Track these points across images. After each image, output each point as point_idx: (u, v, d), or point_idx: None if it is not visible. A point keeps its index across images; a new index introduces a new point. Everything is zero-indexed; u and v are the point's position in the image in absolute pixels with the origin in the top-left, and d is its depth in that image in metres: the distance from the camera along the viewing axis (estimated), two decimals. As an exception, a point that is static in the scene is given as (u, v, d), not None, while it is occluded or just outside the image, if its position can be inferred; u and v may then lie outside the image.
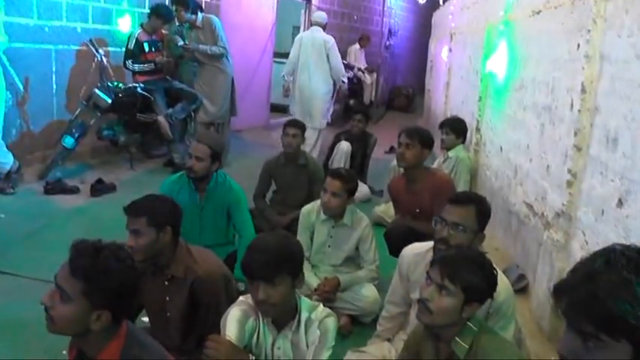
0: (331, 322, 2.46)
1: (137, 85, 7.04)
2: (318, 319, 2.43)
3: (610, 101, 2.79)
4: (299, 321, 2.40)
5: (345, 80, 8.86)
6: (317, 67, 8.06)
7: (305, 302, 2.46)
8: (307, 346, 2.43)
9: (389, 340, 3.22)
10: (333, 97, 8.38)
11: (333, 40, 8.20)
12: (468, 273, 2.13)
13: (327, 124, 8.48)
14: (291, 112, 8.27)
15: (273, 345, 2.40)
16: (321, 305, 2.51)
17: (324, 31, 8.22)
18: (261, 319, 2.39)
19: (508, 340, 2.37)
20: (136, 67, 7.06)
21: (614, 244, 1.35)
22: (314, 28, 8.25)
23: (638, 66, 2.48)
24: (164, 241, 2.75)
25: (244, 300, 2.44)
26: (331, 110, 8.41)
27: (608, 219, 2.62)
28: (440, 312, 2.14)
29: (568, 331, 1.34)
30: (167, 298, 2.88)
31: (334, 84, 8.32)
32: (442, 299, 2.13)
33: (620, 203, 2.50)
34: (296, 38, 8.50)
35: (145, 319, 3.12)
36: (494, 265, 2.27)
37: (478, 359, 2.14)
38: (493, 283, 2.20)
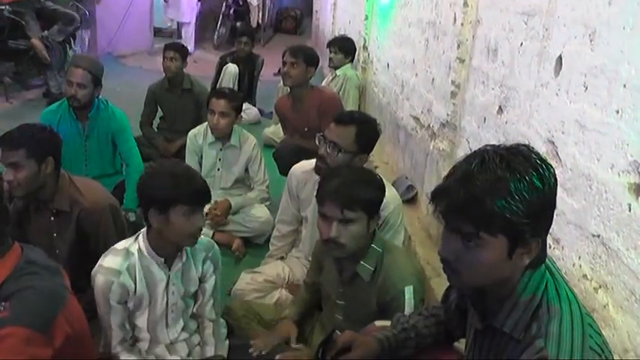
0: (218, 255, 2.49)
1: (3, 7, 6.47)
2: (204, 248, 2.41)
3: (490, 13, 2.83)
4: (185, 251, 2.34)
5: None
6: None
7: None
8: (201, 275, 2.41)
9: (282, 258, 3.25)
10: None
11: None
12: (361, 192, 2.13)
13: (214, 47, 8.16)
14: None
15: (167, 284, 2.31)
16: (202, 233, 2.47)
17: None
18: (150, 261, 2.27)
19: (410, 262, 2.41)
20: None
21: (486, 145, 1.38)
22: None
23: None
24: (46, 173, 2.59)
25: (119, 249, 2.28)
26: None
27: (489, 125, 2.70)
28: (351, 241, 2.14)
29: (447, 233, 1.37)
30: (54, 235, 2.74)
31: None
32: (348, 229, 2.12)
33: (500, 110, 2.57)
34: None
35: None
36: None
37: (381, 280, 2.19)
38: (381, 189, 2.23)
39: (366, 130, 2.77)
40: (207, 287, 2.45)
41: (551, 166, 1.33)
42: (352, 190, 2.14)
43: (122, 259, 2.23)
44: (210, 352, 2.44)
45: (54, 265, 1.94)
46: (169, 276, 2.29)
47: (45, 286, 1.78)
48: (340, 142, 2.69)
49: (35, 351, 1.66)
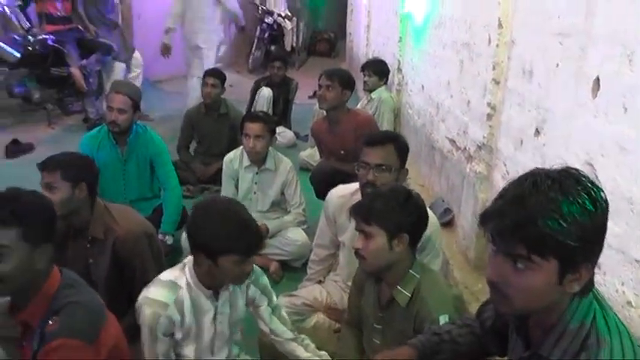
0: (264, 277, 2.45)
1: (47, 36, 6.67)
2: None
3: (525, 34, 2.82)
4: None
5: (243, 21, 8.18)
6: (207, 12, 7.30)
7: None
8: (247, 304, 2.41)
9: (320, 282, 3.24)
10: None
11: None
12: (381, 210, 2.13)
13: (249, 71, 8.23)
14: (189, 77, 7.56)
15: (215, 314, 2.30)
16: None
17: None
18: (200, 294, 2.24)
19: (447, 289, 2.39)
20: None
21: (536, 168, 1.37)
22: None
23: (550, -2, 2.51)
24: (79, 198, 2.64)
25: (165, 280, 2.26)
26: (222, 50, 7.88)
27: (526, 148, 2.68)
28: (371, 256, 2.15)
29: (496, 256, 1.35)
30: (90, 261, 2.77)
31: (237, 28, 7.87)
32: (368, 243, 2.14)
33: (537, 132, 2.55)
34: None
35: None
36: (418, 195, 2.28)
37: (417, 307, 2.16)
38: (414, 211, 2.20)
39: (402, 144, 2.83)
40: (263, 310, 2.44)
41: (602, 189, 1.31)
42: (372, 204, 2.16)
43: (169, 292, 2.19)
44: None
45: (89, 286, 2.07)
46: (217, 306, 2.29)
47: (88, 301, 1.94)
48: (384, 161, 2.72)
49: None
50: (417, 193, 2.30)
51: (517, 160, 2.76)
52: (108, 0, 7.34)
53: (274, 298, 2.49)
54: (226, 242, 2.07)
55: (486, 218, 1.35)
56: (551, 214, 1.24)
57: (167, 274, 2.28)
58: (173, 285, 2.22)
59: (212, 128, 5.35)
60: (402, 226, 2.14)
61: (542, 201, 1.26)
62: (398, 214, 2.14)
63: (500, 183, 2.95)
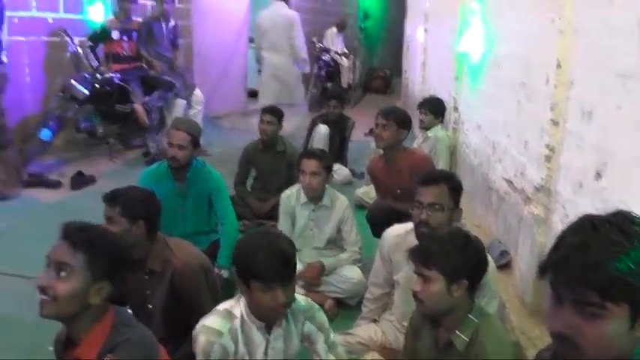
0: (320, 314, 2.47)
1: (114, 75, 6.95)
2: (303, 311, 2.41)
3: (584, 75, 2.80)
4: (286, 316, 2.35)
5: (307, 66, 8.51)
6: (283, 47, 7.76)
7: None
8: (302, 340, 2.42)
9: (375, 321, 3.24)
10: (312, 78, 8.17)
11: (298, 16, 7.83)
12: (441, 255, 2.14)
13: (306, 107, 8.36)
14: (259, 104, 7.75)
15: (267, 347, 2.33)
16: (300, 295, 2.48)
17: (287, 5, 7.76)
18: (251, 325, 2.30)
19: (505, 335, 2.36)
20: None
21: (587, 214, 1.35)
22: (277, 3, 7.74)
23: (610, 38, 2.49)
24: (136, 234, 2.73)
25: (221, 310, 2.34)
26: (302, 91, 8.11)
27: (586, 192, 2.64)
28: (428, 299, 2.16)
29: (560, 306, 1.30)
30: (148, 292, 2.85)
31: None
32: (426, 287, 2.15)
33: (597, 175, 2.51)
34: (257, 18, 8.06)
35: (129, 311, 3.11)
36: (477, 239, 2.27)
37: (475, 353, 2.15)
38: (474, 256, 2.20)
39: (456, 184, 2.85)
40: (320, 348, 2.45)
41: None
42: (431, 248, 2.17)
43: (224, 321, 2.27)
44: None
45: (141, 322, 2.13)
46: (268, 339, 2.32)
47: (142, 338, 1.99)
48: (437, 200, 2.74)
49: None
50: (477, 236, 2.30)
51: (576, 204, 2.72)
52: (163, 40, 7.59)
53: (331, 335, 2.51)
54: (252, 265, 2.14)
55: (548, 268, 1.32)
56: (619, 257, 1.22)
57: (224, 304, 2.35)
58: (228, 314, 2.30)
59: (269, 165, 5.42)
60: (462, 272, 2.14)
61: (606, 244, 1.24)
62: (457, 259, 2.14)
63: (559, 226, 2.91)
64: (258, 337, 2.31)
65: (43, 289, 1.84)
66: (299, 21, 7.78)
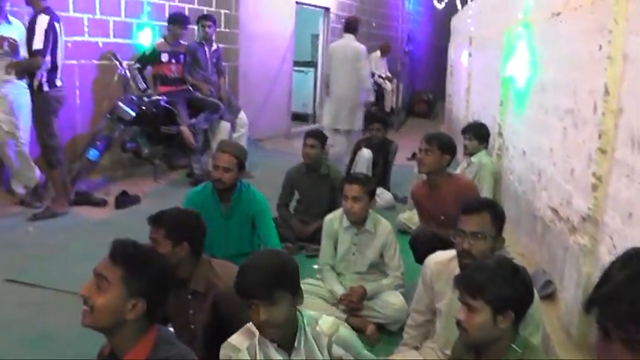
0: (346, 332, 2.45)
1: (160, 97, 7.12)
2: (326, 331, 2.39)
3: (634, 102, 2.75)
4: (305, 335, 2.33)
5: (371, 94, 8.88)
6: (350, 76, 8.00)
7: (305, 315, 2.38)
8: None
9: (416, 348, 3.21)
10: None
11: (365, 50, 8.19)
12: (488, 285, 2.11)
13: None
14: (323, 123, 8.34)
15: None
16: (323, 315, 2.48)
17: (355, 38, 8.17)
18: (267, 344, 2.31)
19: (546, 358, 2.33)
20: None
21: (637, 246, 1.32)
22: (348, 36, 8.13)
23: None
24: (180, 256, 2.78)
25: (245, 328, 2.40)
26: (362, 118, 8.26)
27: (635, 222, 2.59)
28: (473, 329, 2.14)
29: (611, 344, 1.24)
30: (191, 312, 2.89)
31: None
32: (471, 317, 2.13)
33: (647, 206, 2.48)
34: (329, 48, 8.65)
35: (171, 329, 3.15)
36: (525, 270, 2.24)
37: None
38: (521, 287, 2.17)
39: (498, 212, 2.83)
40: None
41: None
42: (477, 278, 2.14)
43: (244, 338, 2.35)
44: None
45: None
46: None
47: (182, 356, 2.01)
48: (480, 229, 2.72)
49: None
50: (524, 267, 2.27)
51: (625, 235, 2.67)
52: (207, 64, 7.72)
53: (364, 353, 2.50)
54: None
55: (595, 304, 1.28)
56: None
57: (250, 323, 2.38)
58: (249, 332, 2.36)
59: (312, 188, 5.45)
60: (508, 303, 2.12)
61: None
62: (504, 289, 2.11)
63: (606, 257, 2.86)
64: (277, 357, 2.32)
65: (84, 300, 1.90)
66: (366, 53, 8.18)
